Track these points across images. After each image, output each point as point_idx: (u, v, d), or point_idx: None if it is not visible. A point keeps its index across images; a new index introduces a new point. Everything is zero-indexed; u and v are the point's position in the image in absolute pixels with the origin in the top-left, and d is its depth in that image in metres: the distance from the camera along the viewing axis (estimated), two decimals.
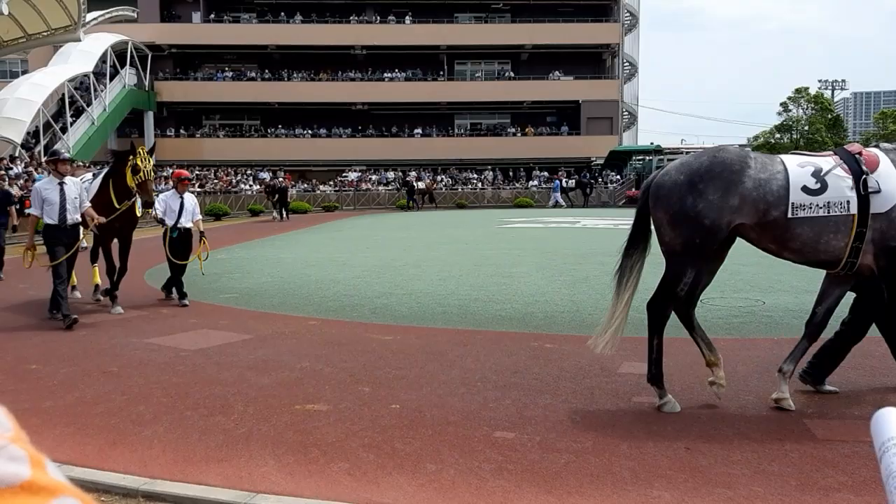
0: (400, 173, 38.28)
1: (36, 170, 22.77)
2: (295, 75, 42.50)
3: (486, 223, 24.15)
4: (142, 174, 7.78)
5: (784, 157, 4.50)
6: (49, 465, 0.53)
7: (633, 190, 39.41)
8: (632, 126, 48.88)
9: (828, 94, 46.20)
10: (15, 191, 20.35)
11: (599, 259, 12.66)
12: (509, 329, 6.92)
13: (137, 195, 7.95)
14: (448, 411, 4.41)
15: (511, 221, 24.86)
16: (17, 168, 22.84)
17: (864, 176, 4.21)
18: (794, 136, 41.84)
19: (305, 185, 38.88)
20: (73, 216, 7.45)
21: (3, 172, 21.39)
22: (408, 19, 42.64)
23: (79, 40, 26.13)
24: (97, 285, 8.94)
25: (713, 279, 4.82)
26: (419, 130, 43.24)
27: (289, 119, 42.68)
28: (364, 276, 10.87)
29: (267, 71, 42.92)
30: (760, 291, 8.83)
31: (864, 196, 4.18)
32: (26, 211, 7.54)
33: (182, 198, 8.84)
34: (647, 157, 41.62)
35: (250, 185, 36.70)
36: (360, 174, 40.94)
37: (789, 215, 4.21)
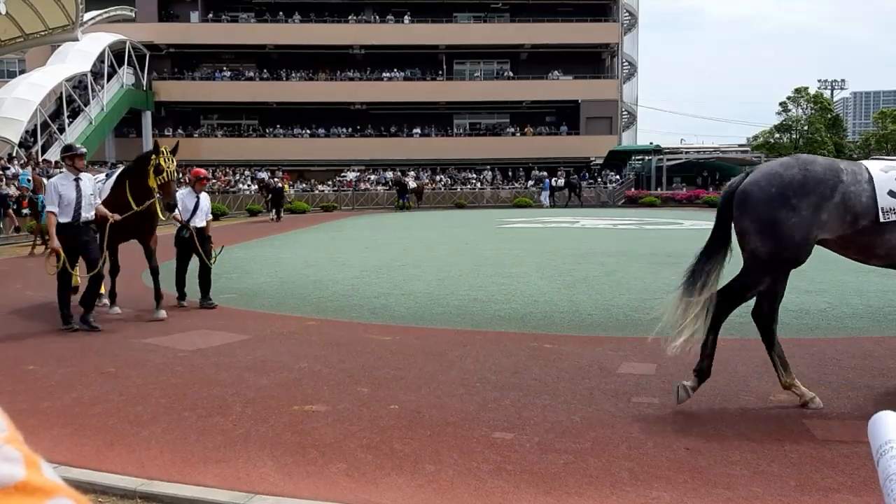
0: (399, 173, 38.28)
1: (23, 168, 22.72)
2: (293, 75, 42.48)
3: (486, 223, 24.15)
4: (165, 174, 7.47)
5: (866, 163, 4.54)
6: (44, 465, 0.53)
7: (633, 190, 39.50)
8: (631, 126, 48.90)
9: (827, 93, 46.23)
10: (12, 191, 20.34)
11: (599, 259, 12.66)
12: (508, 329, 6.90)
13: (159, 196, 7.61)
14: (447, 412, 4.40)
15: (510, 221, 24.85)
16: (15, 168, 22.79)
17: None
18: (794, 136, 41.85)
19: (304, 185, 38.87)
20: (87, 214, 7.14)
21: (0, 172, 21.35)
22: (406, 19, 42.65)
23: (76, 40, 26.07)
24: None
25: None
26: (418, 130, 43.23)
27: (287, 119, 42.64)
28: (363, 276, 10.85)
29: (265, 70, 42.89)
30: None
31: None
32: (48, 209, 7.22)
33: (198, 197, 8.60)
34: (647, 157, 41.69)
35: (248, 185, 36.67)
36: (358, 174, 40.91)
37: (881, 220, 4.24)
